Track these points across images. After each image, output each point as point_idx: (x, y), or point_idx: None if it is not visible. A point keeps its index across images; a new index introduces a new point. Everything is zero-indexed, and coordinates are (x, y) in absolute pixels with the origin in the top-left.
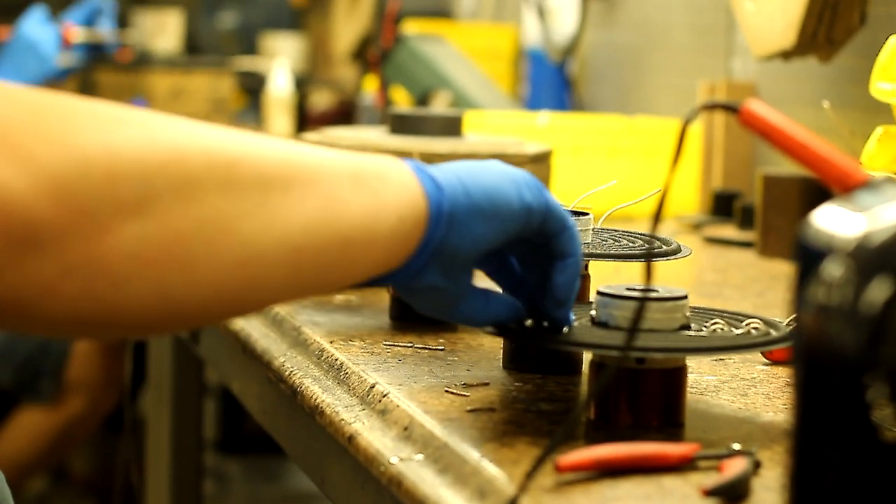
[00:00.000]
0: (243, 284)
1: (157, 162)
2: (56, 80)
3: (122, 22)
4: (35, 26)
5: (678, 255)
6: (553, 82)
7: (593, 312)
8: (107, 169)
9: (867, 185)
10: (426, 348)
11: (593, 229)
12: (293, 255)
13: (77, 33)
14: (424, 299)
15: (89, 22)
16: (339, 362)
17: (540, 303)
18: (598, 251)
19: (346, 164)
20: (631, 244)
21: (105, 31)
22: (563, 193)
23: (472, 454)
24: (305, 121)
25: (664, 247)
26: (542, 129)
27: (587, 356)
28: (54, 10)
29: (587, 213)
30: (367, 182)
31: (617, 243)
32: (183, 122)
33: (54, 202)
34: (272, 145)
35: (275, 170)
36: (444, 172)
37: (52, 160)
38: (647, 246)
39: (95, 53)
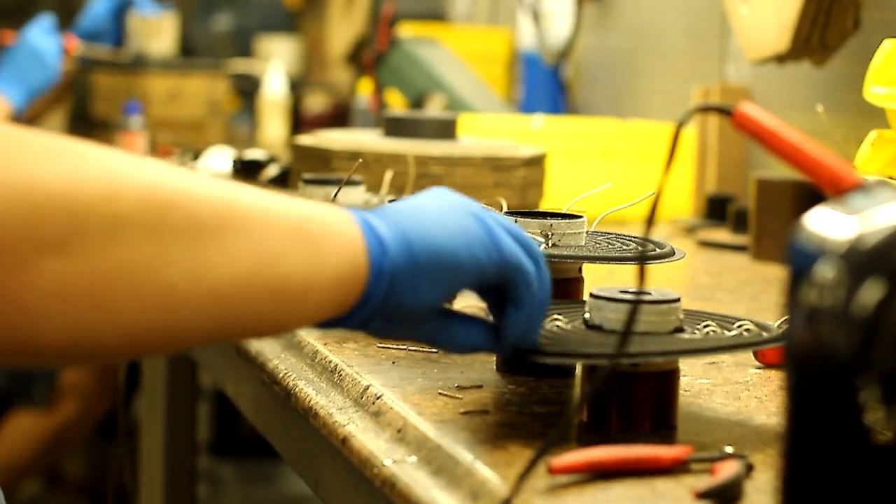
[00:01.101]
0: (163, 329)
1: (85, 199)
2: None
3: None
4: (39, 35)
5: (672, 259)
6: (547, 86)
7: (587, 315)
8: (31, 203)
9: (859, 187)
10: (420, 351)
11: (587, 232)
12: (219, 304)
13: (78, 46)
14: (388, 336)
15: (92, 37)
16: (332, 364)
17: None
18: (592, 254)
19: (290, 215)
20: (625, 247)
21: (106, 47)
22: (557, 196)
23: (466, 456)
24: (300, 123)
25: (658, 250)
26: (537, 132)
27: None
28: (62, 20)
29: (581, 216)
30: (310, 235)
31: (611, 246)
32: (120, 158)
33: None
34: (212, 188)
35: (210, 215)
36: (392, 228)
37: None
38: (640, 249)
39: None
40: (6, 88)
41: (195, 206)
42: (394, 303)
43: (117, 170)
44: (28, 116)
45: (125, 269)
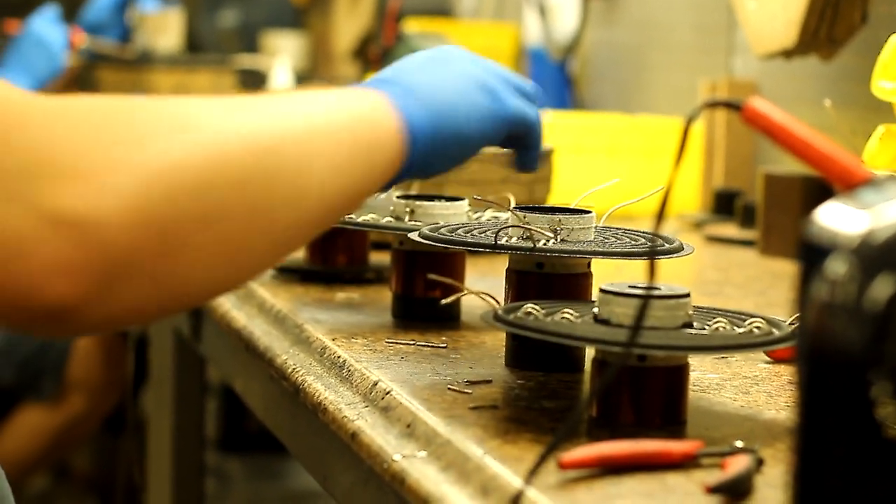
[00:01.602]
0: (274, 259)
1: (208, 170)
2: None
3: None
4: (45, 24)
5: (681, 254)
6: (554, 81)
7: (596, 310)
8: (172, 186)
9: (870, 182)
10: (428, 346)
11: (596, 227)
12: (313, 226)
13: (83, 39)
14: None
15: (96, 30)
16: (341, 360)
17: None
18: (601, 249)
19: (346, 128)
20: (633, 242)
21: (110, 41)
22: (565, 192)
23: (475, 451)
24: None
25: (666, 245)
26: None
27: (589, 353)
28: (66, 13)
29: (590, 212)
30: (365, 144)
31: (619, 241)
32: (214, 114)
33: (142, 230)
34: (289, 122)
35: (298, 152)
36: (423, 121)
37: (127, 183)
38: (649, 244)
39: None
40: (12, 78)
41: (285, 147)
42: (414, 173)
43: (218, 132)
44: None
45: (251, 221)
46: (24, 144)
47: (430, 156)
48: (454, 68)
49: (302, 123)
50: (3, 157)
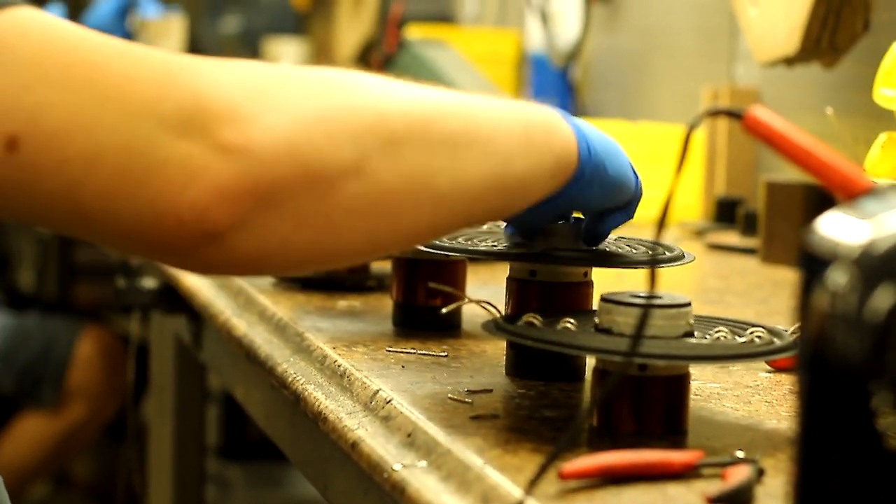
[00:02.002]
0: (432, 230)
1: (364, 125)
2: None
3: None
4: None
5: (682, 262)
6: (556, 87)
7: (597, 319)
8: (326, 132)
9: (872, 192)
10: (429, 355)
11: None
12: (470, 205)
13: None
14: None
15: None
16: (342, 368)
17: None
18: (601, 257)
19: (517, 122)
20: (633, 250)
21: None
22: None
23: (476, 461)
24: None
25: (667, 253)
26: None
27: (590, 363)
28: (72, 14)
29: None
30: (534, 139)
31: (619, 250)
32: (378, 83)
33: (291, 164)
34: (457, 102)
35: (461, 128)
36: (590, 139)
37: (282, 123)
38: (650, 252)
39: None
40: None
41: (449, 120)
42: (579, 196)
43: (382, 95)
44: None
45: (405, 182)
46: (196, 89)
47: (594, 179)
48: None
49: (468, 104)
50: (180, 99)
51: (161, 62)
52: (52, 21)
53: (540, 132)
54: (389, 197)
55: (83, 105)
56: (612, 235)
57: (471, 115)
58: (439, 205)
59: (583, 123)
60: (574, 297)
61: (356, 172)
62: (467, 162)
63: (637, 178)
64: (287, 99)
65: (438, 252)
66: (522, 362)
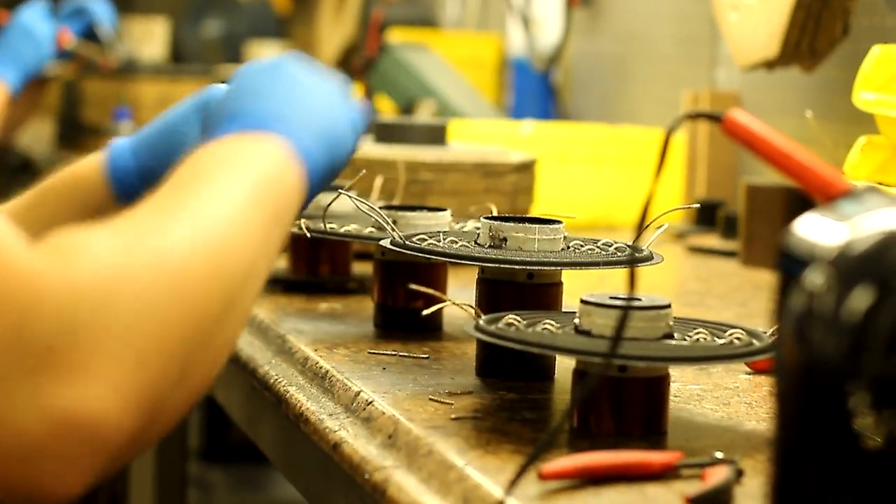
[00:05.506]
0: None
1: (189, 337)
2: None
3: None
4: (34, 16)
5: (650, 262)
6: (537, 91)
7: (577, 321)
8: (165, 367)
9: (849, 194)
10: (410, 356)
11: (565, 237)
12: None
13: (71, 40)
14: None
15: (85, 34)
16: (323, 370)
17: None
18: (570, 259)
19: (255, 200)
20: (604, 252)
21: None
22: (548, 202)
23: (457, 462)
24: None
25: (636, 255)
26: (527, 138)
27: (562, 363)
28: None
29: (560, 222)
30: (273, 210)
31: (591, 251)
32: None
33: (137, 417)
34: (233, 230)
35: (244, 255)
36: (315, 163)
37: (123, 379)
38: (629, 254)
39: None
40: (1, 69)
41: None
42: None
43: (192, 290)
44: (11, 121)
45: (215, 359)
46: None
47: (326, 178)
48: (311, 85)
49: (234, 222)
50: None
51: None
52: None
53: (276, 195)
54: (201, 380)
55: None
56: (582, 238)
57: (241, 233)
58: (226, 340)
59: (297, 106)
60: (545, 299)
61: (180, 386)
62: (257, 281)
63: (353, 118)
64: (128, 340)
65: (419, 255)
66: (491, 363)
